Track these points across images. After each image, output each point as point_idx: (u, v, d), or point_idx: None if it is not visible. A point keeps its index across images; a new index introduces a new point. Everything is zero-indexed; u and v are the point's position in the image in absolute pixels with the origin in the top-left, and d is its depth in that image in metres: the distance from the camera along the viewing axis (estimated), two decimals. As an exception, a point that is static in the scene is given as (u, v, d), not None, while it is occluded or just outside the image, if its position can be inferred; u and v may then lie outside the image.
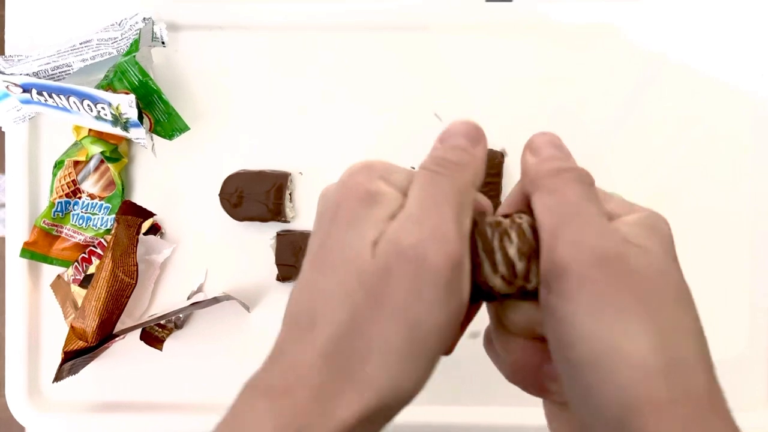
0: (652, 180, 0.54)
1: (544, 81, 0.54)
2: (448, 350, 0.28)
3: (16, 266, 0.57)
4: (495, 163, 0.53)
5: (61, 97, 0.52)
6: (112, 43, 0.54)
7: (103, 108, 0.52)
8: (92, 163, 0.56)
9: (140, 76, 0.52)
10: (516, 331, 0.29)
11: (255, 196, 0.54)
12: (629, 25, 0.54)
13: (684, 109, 0.54)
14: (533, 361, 0.29)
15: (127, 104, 0.51)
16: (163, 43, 0.54)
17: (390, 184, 0.27)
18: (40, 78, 0.53)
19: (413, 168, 0.30)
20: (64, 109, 0.53)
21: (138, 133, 0.53)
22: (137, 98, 0.51)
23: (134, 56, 0.52)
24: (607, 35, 0.54)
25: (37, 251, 0.56)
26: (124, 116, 0.52)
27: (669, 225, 0.30)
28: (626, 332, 0.23)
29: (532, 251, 0.26)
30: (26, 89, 0.52)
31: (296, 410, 0.25)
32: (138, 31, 0.53)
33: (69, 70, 0.54)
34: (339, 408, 0.25)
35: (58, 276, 0.57)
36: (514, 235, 0.26)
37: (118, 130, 0.53)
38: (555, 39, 0.54)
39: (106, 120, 0.53)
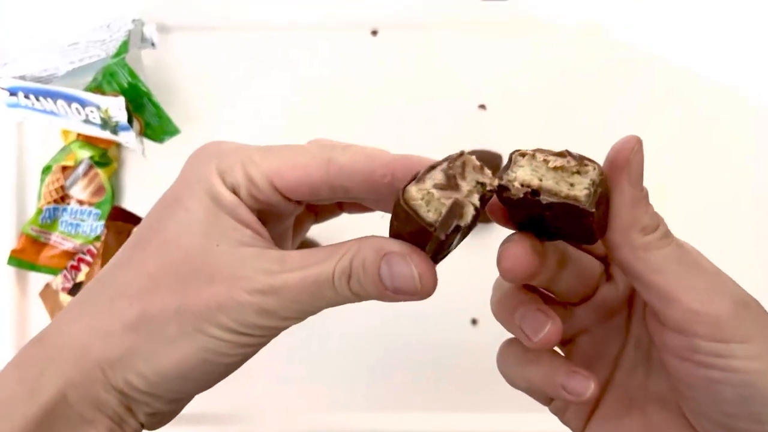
0: (649, 180, 0.53)
1: (540, 79, 0.54)
2: None
3: (4, 274, 0.55)
4: (493, 165, 0.52)
5: (49, 100, 0.51)
6: (101, 45, 0.53)
7: (91, 111, 0.51)
8: (81, 169, 0.55)
9: (129, 78, 0.51)
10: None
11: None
12: (625, 24, 0.54)
13: (680, 108, 0.54)
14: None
15: (116, 107, 0.50)
16: (152, 44, 0.54)
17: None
18: (26, 81, 0.52)
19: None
20: (52, 112, 0.52)
21: (127, 137, 0.52)
22: (127, 101, 0.50)
23: (123, 58, 0.51)
24: (602, 34, 0.54)
25: (24, 259, 0.55)
26: (113, 119, 0.51)
27: None
28: None
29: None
30: (13, 92, 0.51)
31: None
32: (127, 33, 0.53)
33: (56, 72, 0.53)
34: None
35: (47, 284, 0.55)
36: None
37: (107, 134, 0.52)
38: (551, 37, 0.54)
39: (94, 123, 0.52)
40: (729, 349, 0.24)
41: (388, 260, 0.24)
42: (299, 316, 0.26)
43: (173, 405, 0.27)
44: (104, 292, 0.26)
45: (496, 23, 0.54)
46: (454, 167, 0.24)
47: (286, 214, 0.29)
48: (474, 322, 0.53)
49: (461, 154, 0.24)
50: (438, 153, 0.53)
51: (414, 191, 0.23)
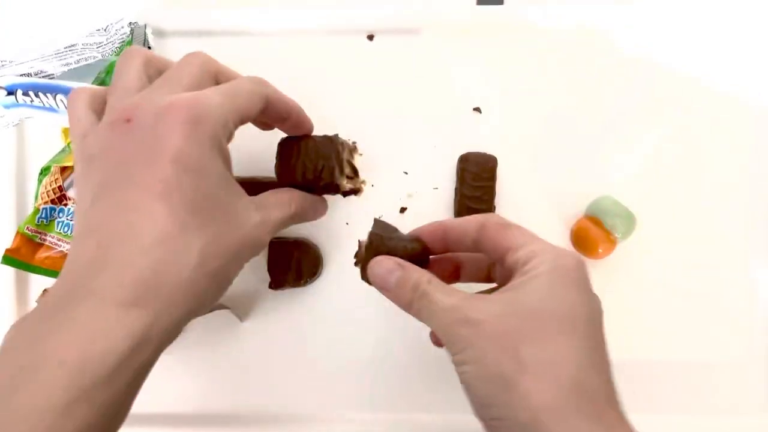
0: (649, 184, 0.54)
1: (534, 82, 0.54)
2: None
3: (2, 276, 0.56)
4: (488, 167, 0.52)
5: (48, 96, 0.51)
6: (97, 48, 0.53)
7: None
8: (79, 170, 0.55)
9: None
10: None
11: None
12: (620, 29, 0.54)
13: (677, 112, 0.54)
14: None
15: None
16: (149, 48, 0.54)
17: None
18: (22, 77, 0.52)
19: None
20: (51, 108, 0.52)
21: None
22: None
23: None
24: (598, 38, 0.54)
25: (19, 258, 0.54)
26: None
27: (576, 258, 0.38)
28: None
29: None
30: (11, 91, 0.51)
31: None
32: (124, 36, 0.53)
33: (52, 75, 0.53)
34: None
35: (45, 290, 0.55)
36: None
37: None
38: (546, 41, 0.55)
39: None
40: (452, 359, 0.37)
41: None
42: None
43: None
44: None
45: (491, 27, 0.54)
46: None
47: None
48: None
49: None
50: (433, 155, 0.54)
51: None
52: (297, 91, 0.55)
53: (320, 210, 0.47)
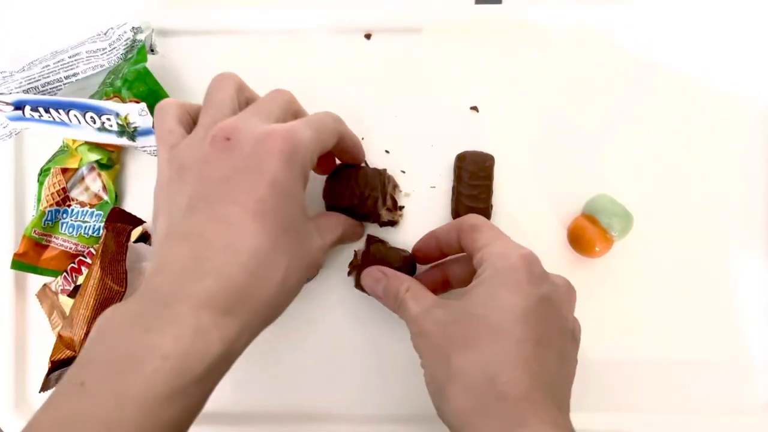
0: (646, 182, 0.53)
1: (532, 81, 0.54)
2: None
3: (3, 277, 0.56)
4: (485, 166, 0.52)
5: (60, 111, 0.52)
6: (101, 55, 0.53)
7: (108, 119, 0.51)
8: (83, 171, 0.56)
9: (150, 85, 0.52)
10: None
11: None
12: (619, 28, 0.54)
13: (676, 111, 0.54)
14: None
15: (136, 113, 0.51)
16: (152, 50, 0.54)
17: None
18: (29, 94, 0.53)
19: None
20: (62, 123, 0.52)
21: (146, 141, 0.53)
22: (148, 106, 0.51)
23: (145, 65, 0.52)
24: (596, 38, 0.54)
25: (27, 262, 0.55)
26: (132, 125, 0.51)
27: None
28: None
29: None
30: (18, 107, 0.52)
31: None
32: (128, 41, 0.53)
33: (60, 85, 0.54)
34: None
35: (44, 285, 0.56)
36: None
37: (123, 140, 0.53)
38: (545, 41, 0.54)
39: (111, 131, 0.52)
40: (420, 363, 0.42)
41: None
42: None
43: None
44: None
45: (489, 26, 0.54)
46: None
47: None
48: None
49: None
50: (430, 153, 0.54)
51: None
52: (295, 89, 0.55)
53: (358, 234, 0.51)
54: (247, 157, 0.37)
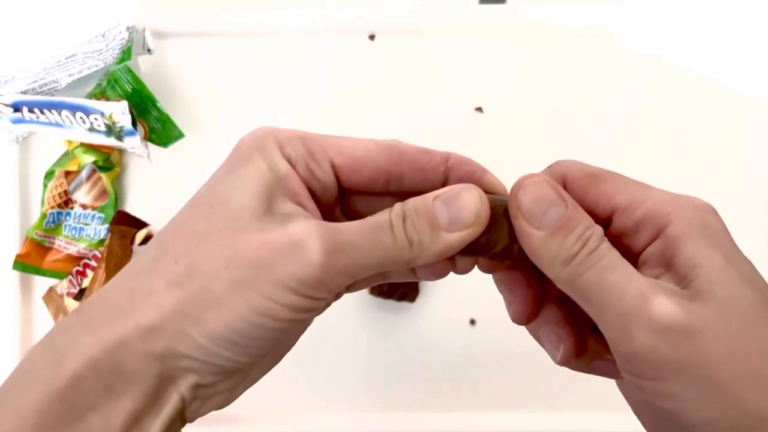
0: (647, 180, 0.54)
1: (536, 82, 0.54)
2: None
3: (7, 279, 0.56)
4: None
5: (53, 111, 0.51)
6: (98, 55, 0.53)
7: (96, 119, 0.51)
8: (84, 173, 0.55)
9: (134, 84, 0.52)
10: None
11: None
12: (622, 28, 0.54)
13: (678, 111, 0.54)
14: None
15: (120, 112, 0.50)
16: (148, 50, 0.54)
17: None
18: (29, 95, 0.52)
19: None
20: (57, 124, 0.52)
21: (133, 142, 0.52)
22: (131, 106, 0.51)
23: (127, 64, 0.51)
24: (600, 37, 0.54)
25: (29, 263, 0.55)
26: (118, 125, 0.51)
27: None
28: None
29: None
30: (17, 108, 0.52)
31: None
32: (123, 41, 0.53)
33: (57, 86, 0.53)
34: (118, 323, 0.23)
35: (50, 288, 0.56)
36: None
37: (112, 141, 0.52)
38: (548, 41, 0.54)
39: (99, 131, 0.52)
40: (642, 384, 0.24)
41: (443, 199, 0.25)
42: (354, 271, 0.24)
43: (221, 379, 0.25)
44: (149, 254, 0.25)
45: (493, 26, 0.54)
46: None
47: (327, 205, 0.28)
48: (472, 322, 0.54)
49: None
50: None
51: None
52: (297, 90, 0.55)
53: None
54: None
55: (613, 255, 0.25)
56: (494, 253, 0.27)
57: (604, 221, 0.27)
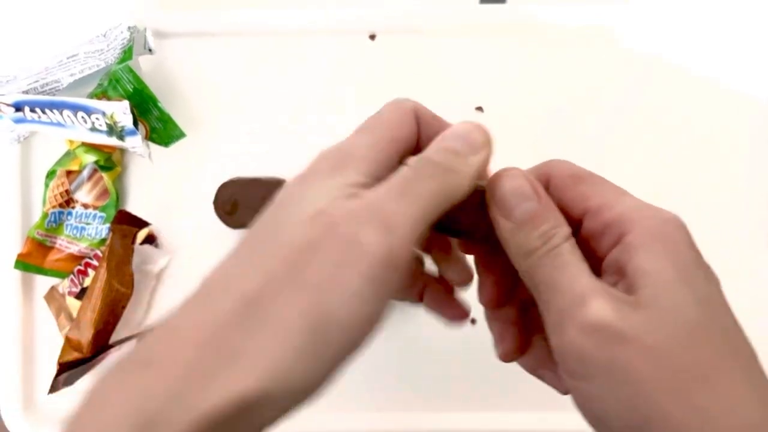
0: (647, 182, 0.54)
1: (537, 82, 0.54)
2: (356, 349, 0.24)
3: (9, 278, 0.56)
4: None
5: (55, 111, 0.52)
6: (99, 55, 0.53)
7: (97, 118, 0.51)
8: (85, 173, 0.56)
9: (135, 84, 0.52)
10: None
11: (249, 203, 0.54)
12: (622, 27, 0.54)
13: (678, 111, 0.54)
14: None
15: (121, 111, 0.51)
16: (150, 50, 0.54)
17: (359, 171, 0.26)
18: (28, 95, 0.53)
19: None
20: (59, 124, 0.52)
21: (134, 142, 0.52)
22: (132, 105, 0.51)
23: (128, 64, 0.52)
24: (600, 37, 0.54)
25: (31, 263, 0.55)
26: (119, 125, 0.51)
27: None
28: None
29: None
30: (18, 107, 0.52)
31: (152, 391, 0.21)
32: (125, 41, 0.53)
33: (58, 86, 0.54)
34: (207, 390, 0.21)
35: (52, 287, 0.56)
36: None
37: (113, 140, 0.53)
38: (549, 40, 0.54)
39: (101, 131, 0.52)
40: (574, 385, 0.25)
41: (452, 135, 0.27)
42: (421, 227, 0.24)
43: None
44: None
45: (493, 26, 0.54)
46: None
47: None
48: (473, 322, 0.54)
49: None
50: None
51: None
52: (298, 91, 0.55)
53: None
54: None
55: (571, 256, 0.25)
56: (478, 236, 0.29)
57: (578, 223, 0.27)
